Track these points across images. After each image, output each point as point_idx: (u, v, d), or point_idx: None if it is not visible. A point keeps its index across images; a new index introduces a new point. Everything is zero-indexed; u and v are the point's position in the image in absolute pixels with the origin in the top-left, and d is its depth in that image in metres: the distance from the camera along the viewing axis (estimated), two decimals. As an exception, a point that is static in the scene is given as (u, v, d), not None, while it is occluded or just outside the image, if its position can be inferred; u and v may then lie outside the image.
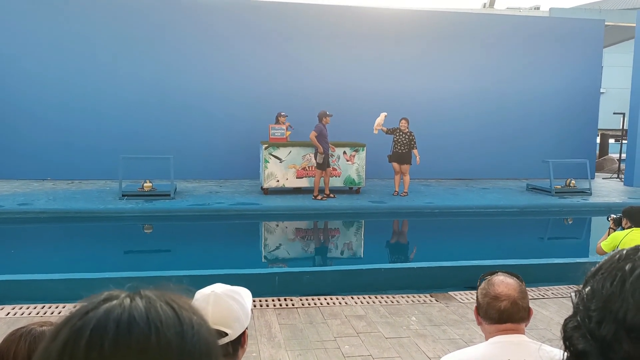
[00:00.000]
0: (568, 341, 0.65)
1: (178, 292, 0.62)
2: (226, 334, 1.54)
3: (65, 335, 0.54)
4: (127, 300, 0.57)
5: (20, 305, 4.78)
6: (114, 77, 12.31)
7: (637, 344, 0.57)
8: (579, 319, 0.65)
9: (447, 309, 4.98)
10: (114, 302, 0.57)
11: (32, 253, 7.46)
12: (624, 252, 0.66)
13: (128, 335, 0.53)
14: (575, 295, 0.68)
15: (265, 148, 10.48)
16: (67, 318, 0.56)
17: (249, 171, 12.22)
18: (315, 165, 10.14)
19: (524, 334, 1.83)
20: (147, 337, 0.54)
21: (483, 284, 1.90)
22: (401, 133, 10.45)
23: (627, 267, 0.62)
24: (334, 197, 10.16)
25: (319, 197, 10.00)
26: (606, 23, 14.90)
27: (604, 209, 10.52)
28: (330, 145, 10.19)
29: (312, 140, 9.86)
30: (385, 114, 10.40)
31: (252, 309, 1.69)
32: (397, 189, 10.67)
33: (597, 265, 0.67)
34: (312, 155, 10.36)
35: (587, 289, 0.66)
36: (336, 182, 10.72)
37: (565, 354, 0.66)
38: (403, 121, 10.48)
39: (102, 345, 0.52)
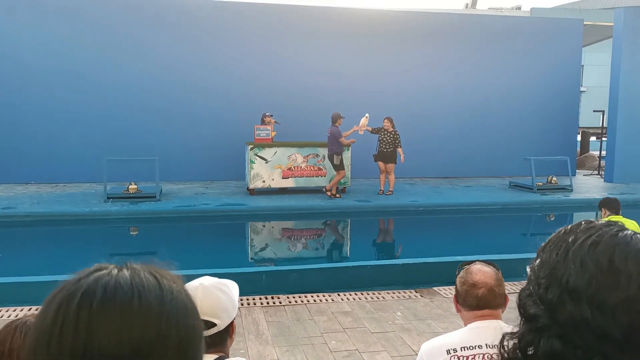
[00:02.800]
0: (522, 308, 0.73)
1: (162, 266, 0.70)
2: (215, 325, 1.61)
3: (60, 298, 0.62)
4: (115, 271, 0.65)
5: (7, 308, 4.78)
6: (97, 79, 12.25)
7: (577, 304, 0.65)
8: (530, 287, 0.73)
9: (432, 303, 5.08)
10: (103, 271, 0.65)
11: (18, 256, 7.42)
12: (569, 226, 0.74)
13: (114, 297, 0.61)
14: (530, 268, 0.76)
15: (251, 149, 10.52)
16: (62, 285, 0.64)
17: (234, 172, 12.24)
18: (333, 166, 10.24)
19: (500, 319, 1.92)
20: (130, 299, 0.62)
21: (462, 273, 1.99)
22: (386, 132, 10.57)
23: (570, 239, 0.71)
24: (340, 197, 10.30)
25: (337, 195, 10.17)
26: (585, 22, 15.17)
27: (585, 205, 10.74)
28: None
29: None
30: (367, 115, 10.49)
31: (239, 307, 1.76)
32: (382, 188, 10.78)
33: (547, 240, 0.76)
34: (297, 156, 10.48)
35: (537, 261, 0.74)
36: (322, 182, 10.80)
37: (521, 319, 0.74)
38: (386, 121, 10.60)
39: (91, 306, 0.60)
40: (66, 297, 0.61)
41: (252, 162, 10.50)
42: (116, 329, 0.60)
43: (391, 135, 10.55)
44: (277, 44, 13.06)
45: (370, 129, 10.56)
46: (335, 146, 10.07)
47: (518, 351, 0.72)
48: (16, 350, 1.39)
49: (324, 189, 10.39)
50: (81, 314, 0.60)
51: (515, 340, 0.73)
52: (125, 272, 0.65)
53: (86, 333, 0.59)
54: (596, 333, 0.64)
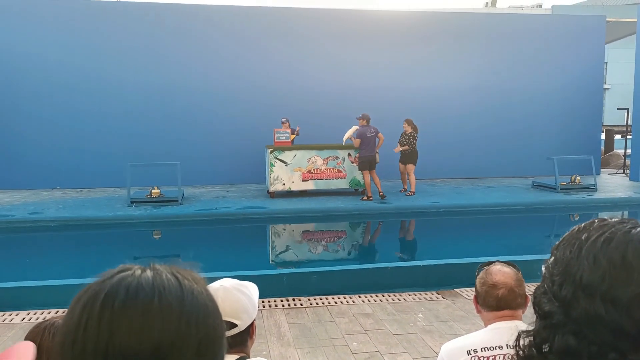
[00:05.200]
0: (537, 305, 0.74)
1: (186, 267, 0.72)
2: (235, 325, 1.63)
3: (85, 298, 0.65)
4: (139, 272, 0.67)
5: (34, 311, 4.89)
6: (120, 86, 12.47)
7: (591, 300, 0.66)
8: (545, 285, 0.74)
9: (454, 305, 5.05)
10: (127, 272, 0.67)
11: (44, 260, 7.58)
12: (582, 225, 0.75)
13: (135, 298, 0.63)
14: (544, 266, 0.77)
15: (271, 152, 10.58)
16: (89, 286, 0.67)
17: (255, 175, 12.33)
18: (374, 167, 10.32)
19: (521, 320, 1.90)
20: (150, 300, 0.64)
21: (481, 274, 1.98)
22: (404, 135, 10.78)
23: (583, 237, 0.71)
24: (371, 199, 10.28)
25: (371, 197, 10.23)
26: (608, 19, 14.92)
27: (610, 205, 10.56)
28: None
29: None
30: (357, 127, 10.40)
31: (261, 310, 1.78)
32: (405, 186, 11.03)
33: (561, 239, 0.76)
34: (317, 158, 10.65)
35: (551, 259, 0.75)
36: (342, 183, 10.83)
37: (536, 317, 0.75)
38: (404, 124, 10.83)
39: (113, 306, 0.62)
40: (91, 298, 0.64)
41: (272, 165, 10.56)
42: (136, 329, 0.61)
43: (408, 137, 10.73)
44: (295, 48, 13.13)
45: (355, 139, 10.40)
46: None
47: (533, 348, 0.73)
48: (45, 350, 1.43)
49: (380, 194, 10.21)
50: (103, 314, 0.62)
51: (531, 338, 0.74)
52: (148, 273, 0.67)
53: (108, 332, 0.61)
54: (610, 329, 0.64)
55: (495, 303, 1.90)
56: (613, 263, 0.66)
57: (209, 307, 0.68)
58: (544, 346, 0.71)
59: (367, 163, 10.18)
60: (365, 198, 10.24)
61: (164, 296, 0.64)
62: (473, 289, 1.97)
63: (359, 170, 10.33)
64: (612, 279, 0.66)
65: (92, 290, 0.65)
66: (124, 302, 0.63)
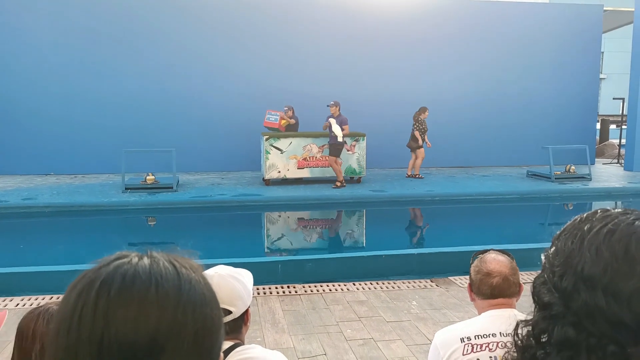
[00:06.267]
0: (536, 296, 0.73)
1: (184, 255, 0.71)
2: (230, 312, 1.63)
3: (81, 285, 0.64)
4: (135, 259, 0.66)
5: (28, 297, 4.88)
6: (115, 72, 12.36)
7: (592, 292, 0.65)
8: (545, 275, 0.73)
9: (447, 293, 5.07)
10: (124, 259, 0.66)
11: (38, 246, 7.56)
12: (585, 215, 0.74)
13: (131, 286, 0.62)
14: (545, 256, 0.76)
15: (266, 139, 10.55)
16: (84, 273, 0.65)
17: (250, 163, 12.30)
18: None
19: (515, 308, 1.91)
20: (147, 288, 0.62)
21: (476, 262, 1.98)
22: (424, 122, 11.49)
23: (585, 228, 0.71)
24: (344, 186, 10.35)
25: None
26: (605, 8, 14.86)
27: (604, 194, 10.61)
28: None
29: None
30: (334, 119, 10.37)
31: (256, 297, 1.78)
32: (409, 172, 11.59)
33: (562, 228, 0.76)
34: (313, 146, 10.70)
35: (552, 249, 0.74)
36: (337, 171, 10.82)
37: (535, 307, 0.74)
38: (426, 111, 11.48)
39: (109, 294, 0.61)
40: (86, 285, 0.63)
41: (267, 152, 10.53)
42: (133, 317, 0.60)
43: (425, 124, 11.50)
44: (293, 36, 13.03)
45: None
46: None
47: (531, 338, 0.72)
48: (39, 336, 1.43)
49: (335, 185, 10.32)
50: (99, 302, 0.61)
51: (529, 328, 0.73)
52: (145, 261, 0.65)
53: (104, 320, 0.60)
54: (610, 321, 0.64)
55: (490, 291, 1.91)
56: (615, 255, 0.66)
57: (207, 296, 0.67)
58: (542, 336, 0.71)
59: (341, 150, 10.29)
60: (338, 184, 10.22)
61: (160, 284, 0.63)
62: (467, 277, 1.98)
63: (334, 156, 10.21)
64: (614, 271, 0.65)
65: (88, 278, 0.64)
66: (120, 290, 0.62)
